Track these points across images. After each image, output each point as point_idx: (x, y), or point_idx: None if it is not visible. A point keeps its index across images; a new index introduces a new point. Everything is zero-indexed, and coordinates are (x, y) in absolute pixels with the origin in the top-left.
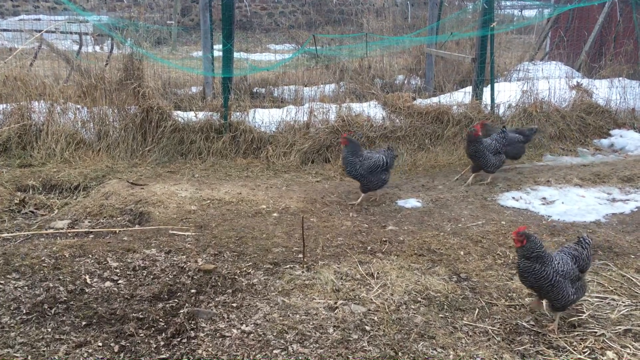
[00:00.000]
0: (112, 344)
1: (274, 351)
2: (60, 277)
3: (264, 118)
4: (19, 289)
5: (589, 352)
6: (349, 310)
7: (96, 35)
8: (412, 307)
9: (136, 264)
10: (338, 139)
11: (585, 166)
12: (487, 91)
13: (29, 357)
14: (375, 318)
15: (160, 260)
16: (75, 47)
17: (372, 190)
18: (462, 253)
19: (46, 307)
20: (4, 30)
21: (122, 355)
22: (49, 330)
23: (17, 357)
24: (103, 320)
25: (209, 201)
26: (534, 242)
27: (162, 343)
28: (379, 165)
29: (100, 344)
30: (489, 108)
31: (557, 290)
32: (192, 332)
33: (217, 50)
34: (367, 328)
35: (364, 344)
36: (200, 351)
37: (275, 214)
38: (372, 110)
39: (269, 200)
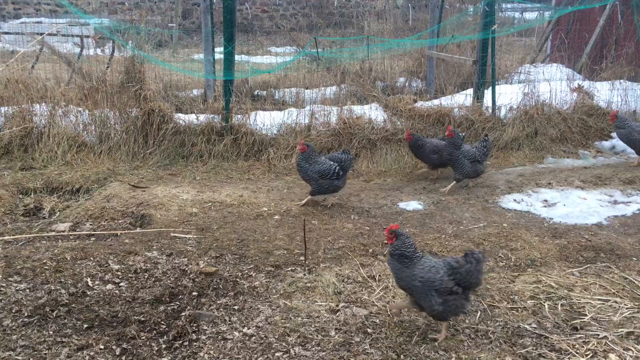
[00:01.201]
0: (113, 347)
1: (276, 354)
2: (62, 280)
3: (265, 121)
4: (21, 291)
5: (591, 354)
6: (350, 313)
7: (97, 37)
8: (414, 309)
9: (138, 266)
10: (339, 142)
11: (586, 168)
12: (488, 93)
13: (31, 359)
14: (377, 321)
15: (161, 263)
16: (77, 50)
17: (323, 194)
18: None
19: (48, 309)
20: (6, 33)
21: (123, 358)
22: (51, 333)
23: (18, 359)
24: (105, 323)
25: (210, 204)
26: (402, 241)
27: (163, 346)
28: (330, 172)
29: (101, 347)
30: (490, 110)
31: (420, 296)
32: (193, 334)
33: (218, 53)
34: (369, 331)
35: (366, 347)
36: (202, 354)
37: (276, 217)
38: (374, 113)
39: (270, 202)
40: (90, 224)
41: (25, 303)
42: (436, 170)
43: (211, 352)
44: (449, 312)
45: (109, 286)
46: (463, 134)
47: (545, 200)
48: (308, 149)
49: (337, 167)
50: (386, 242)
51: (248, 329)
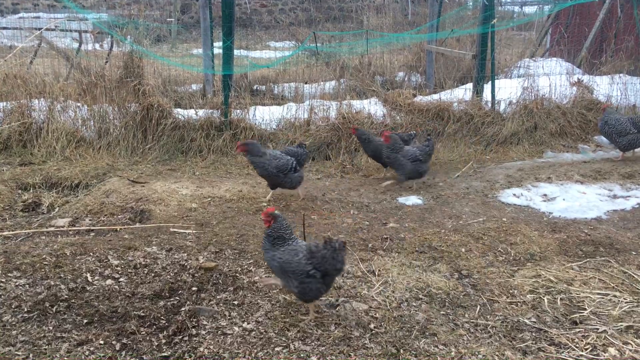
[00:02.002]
0: (113, 342)
1: (276, 349)
2: (62, 275)
3: (265, 115)
4: (20, 287)
5: (590, 348)
6: (350, 308)
7: (96, 32)
8: (414, 304)
9: (137, 262)
10: (339, 137)
11: (586, 163)
12: (487, 88)
13: (31, 355)
14: (377, 315)
15: (161, 258)
16: (75, 45)
17: (284, 188)
18: (463, 250)
19: (47, 305)
20: (4, 28)
21: (123, 353)
22: (51, 328)
23: (18, 355)
24: (104, 318)
25: (209, 199)
26: (280, 224)
27: (163, 341)
28: (287, 166)
29: (101, 342)
30: (490, 105)
31: (281, 276)
32: (193, 329)
33: (217, 48)
34: (369, 325)
35: (366, 342)
36: (201, 349)
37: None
38: (373, 107)
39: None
40: (90, 220)
41: (24, 298)
42: (386, 167)
43: (211, 347)
44: (306, 294)
45: (109, 281)
46: (413, 133)
47: (545, 195)
48: (252, 146)
49: (294, 162)
50: (264, 224)
51: (248, 323)
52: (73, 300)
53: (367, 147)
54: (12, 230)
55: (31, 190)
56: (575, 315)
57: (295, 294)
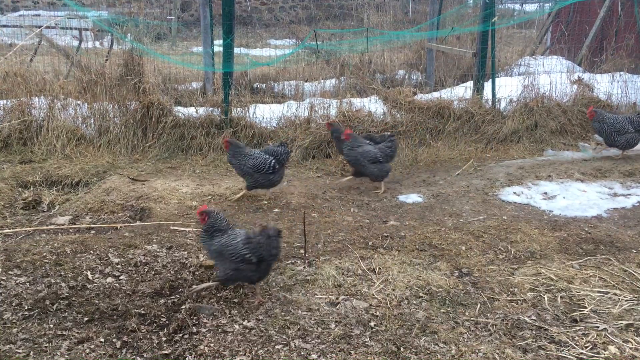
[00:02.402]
0: (114, 340)
1: (276, 347)
2: (62, 273)
3: (265, 113)
4: (21, 285)
5: (591, 346)
6: (350, 306)
7: (96, 30)
8: (414, 302)
9: (137, 259)
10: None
11: (586, 161)
12: (488, 86)
13: (31, 353)
14: (377, 313)
15: (161, 256)
16: (75, 43)
17: (263, 189)
18: (463, 248)
19: (48, 303)
20: (4, 26)
21: (124, 350)
22: (51, 326)
23: (19, 353)
24: (105, 316)
25: (210, 197)
26: (214, 218)
27: (164, 339)
28: (265, 166)
29: (102, 340)
30: (490, 103)
31: (220, 261)
32: (194, 327)
33: (217, 46)
34: (369, 323)
35: (366, 340)
36: (202, 347)
37: (276, 210)
38: (373, 106)
39: (269, 195)
40: (90, 217)
41: (25, 296)
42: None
43: (211, 344)
44: (242, 278)
45: (109, 279)
46: (387, 134)
47: (545, 193)
48: (231, 146)
49: (273, 161)
50: (200, 223)
51: (248, 321)
52: (73, 298)
53: (339, 145)
54: (13, 228)
55: (31, 188)
56: (575, 314)
57: (225, 278)
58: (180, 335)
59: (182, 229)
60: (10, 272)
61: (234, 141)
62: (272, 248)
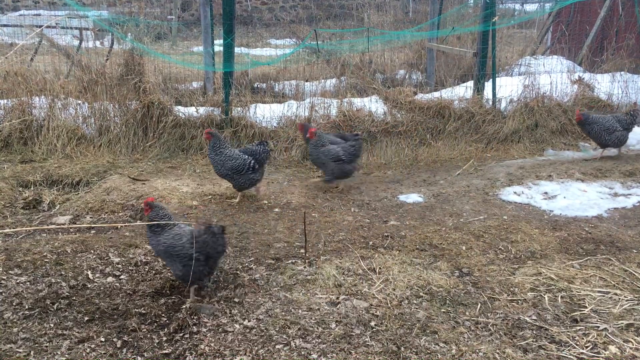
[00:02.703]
0: (114, 339)
1: (277, 346)
2: (62, 273)
3: (265, 113)
4: (21, 284)
5: (591, 346)
6: (351, 306)
7: (97, 30)
8: (414, 302)
9: (138, 259)
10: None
11: (587, 161)
12: (488, 86)
13: (32, 352)
14: (378, 313)
15: None
16: (76, 43)
17: (247, 189)
18: (464, 248)
19: (48, 302)
20: (4, 25)
21: (124, 350)
22: (52, 325)
23: (19, 352)
24: (105, 315)
25: (210, 196)
26: (156, 212)
27: (164, 338)
28: (244, 167)
29: (102, 340)
30: (491, 103)
31: (167, 260)
32: (194, 327)
33: (218, 45)
34: (370, 323)
35: (367, 339)
36: (202, 346)
37: (276, 209)
38: (374, 105)
39: (270, 195)
40: (91, 217)
41: (26, 296)
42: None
43: (212, 344)
44: (190, 276)
45: (110, 279)
46: (358, 134)
47: (546, 193)
48: (213, 138)
49: (253, 161)
50: (144, 213)
51: (248, 321)
52: (74, 298)
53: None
54: (13, 228)
55: (32, 188)
56: (575, 313)
57: (178, 275)
58: (181, 334)
59: None
60: (10, 272)
61: (216, 133)
62: (217, 245)
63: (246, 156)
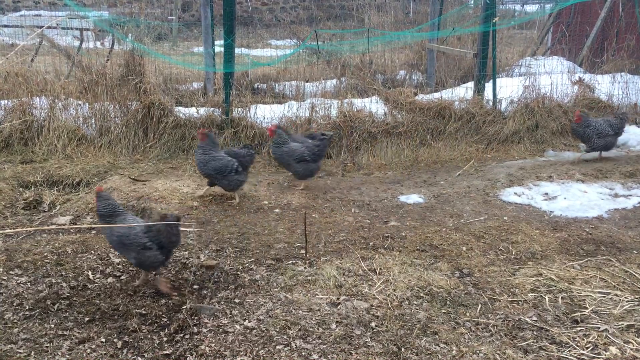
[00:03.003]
0: (115, 340)
1: (277, 347)
2: (63, 273)
3: (266, 114)
4: (22, 285)
5: (592, 347)
6: (351, 306)
7: (97, 30)
8: (415, 302)
9: None
10: (340, 135)
11: (587, 162)
12: (489, 86)
13: (32, 353)
14: (378, 314)
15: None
16: (76, 43)
17: (232, 191)
18: (464, 249)
19: (49, 303)
20: (5, 26)
21: (125, 351)
22: (52, 326)
23: (20, 352)
24: (106, 316)
25: (210, 197)
26: (103, 203)
27: (165, 339)
28: (227, 168)
29: (103, 340)
30: (491, 103)
31: (121, 250)
32: (194, 327)
33: (218, 46)
34: (370, 324)
35: (367, 340)
36: (203, 347)
37: (277, 210)
38: (374, 106)
39: (270, 196)
40: (91, 218)
41: (26, 296)
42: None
43: (212, 345)
44: (143, 264)
45: (110, 279)
46: (325, 133)
47: (546, 194)
48: (207, 139)
49: (235, 164)
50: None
51: (249, 322)
52: (74, 298)
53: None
54: (14, 228)
55: (32, 189)
56: (576, 314)
57: (134, 263)
58: (181, 335)
59: (183, 229)
60: (11, 272)
61: (211, 134)
62: (171, 235)
63: (230, 158)
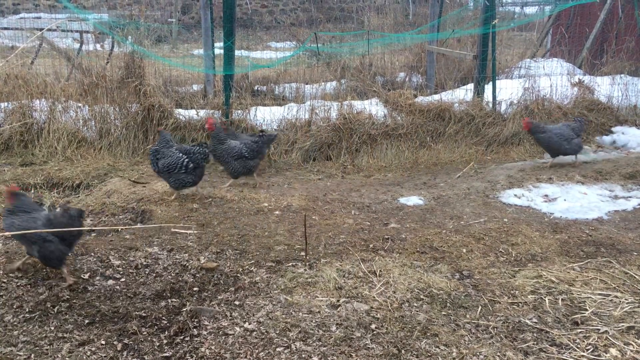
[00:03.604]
0: (115, 342)
1: (277, 349)
2: (63, 276)
3: (266, 116)
4: (22, 287)
5: (592, 349)
6: (351, 308)
7: (97, 33)
8: (415, 304)
9: (138, 262)
10: (340, 137)
11: (587, 163)
12: (488, 88)
13: (32, 355)
14: (378, 316)
15: (162, 259)
16: (76, 46)
17: (177, 190)
18: (464, 250)
19: (49, 305)
20: (5, 28)
21: (125, 353)
22: (52, 328)
23: (20, 355)
24: (106, 318)
25: (210, 199)
26: (21, 201)
27: (165, 341)
28: (177, 165)
29: (103, 342)
30: (491, 105)
31: (24, 243)
32: (194, 330)
33: (218, 48)
34: (370, 326)
35: (367, 342)
36: (203, 349)
37: (277, 212)
38: (374, 108)
39: (270, 198)
40: (91, 220)
41: (26, 299)
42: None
43: (212, 347)
44: (48, 258)
45: (110, 282)
46: (264, 131)
47: (546, 195)
48: (160, 137)
49: (185, 160)
50: (8, 201)
51: (249, 324)
52: (74, 301)
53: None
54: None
55: (32, 191)
56: (576, 316)
57: (40, 260)
58: (181, 337)
59: (183, 231)
60: (11, 275)
61: (164, 132)
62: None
63: (180, 154)
